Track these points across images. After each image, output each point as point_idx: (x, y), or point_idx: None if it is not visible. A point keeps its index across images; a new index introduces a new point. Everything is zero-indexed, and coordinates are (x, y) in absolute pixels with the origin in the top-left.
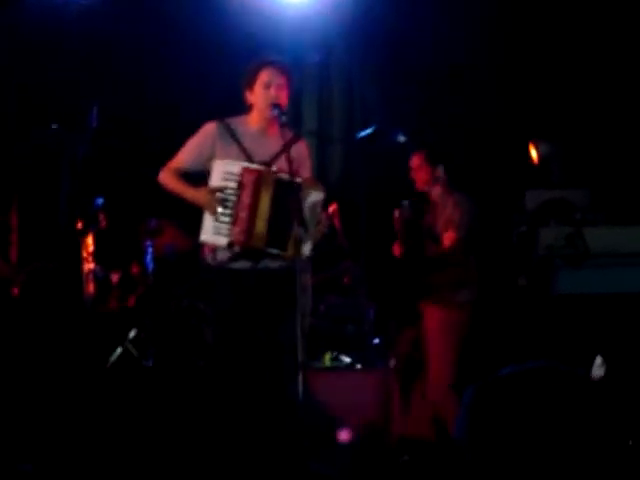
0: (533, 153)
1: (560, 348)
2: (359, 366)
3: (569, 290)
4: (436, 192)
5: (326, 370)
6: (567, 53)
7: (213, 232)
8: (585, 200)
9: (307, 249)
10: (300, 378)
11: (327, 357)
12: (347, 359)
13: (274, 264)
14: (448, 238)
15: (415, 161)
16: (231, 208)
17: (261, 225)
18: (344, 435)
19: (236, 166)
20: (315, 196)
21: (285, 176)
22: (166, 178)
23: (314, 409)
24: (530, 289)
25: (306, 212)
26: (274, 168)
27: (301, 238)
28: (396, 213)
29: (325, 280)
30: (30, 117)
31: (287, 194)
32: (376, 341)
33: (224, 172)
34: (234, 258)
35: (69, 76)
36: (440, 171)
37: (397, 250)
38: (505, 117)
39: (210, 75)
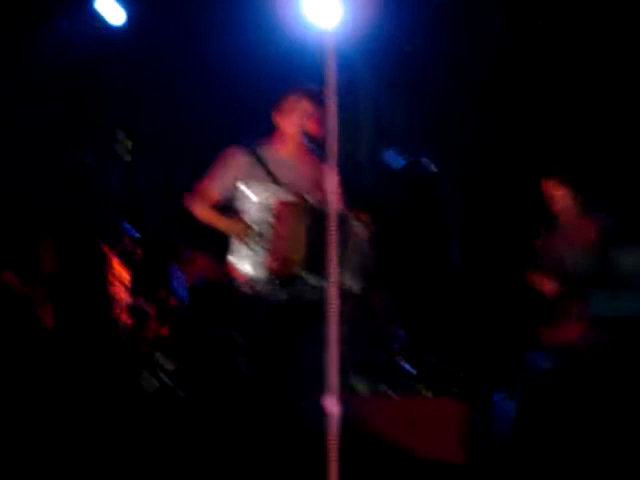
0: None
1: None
2: (391, 393)
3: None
4: (572, 215)
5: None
6: (582, 88)
7: (249, 262)
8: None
9: (355, 283)
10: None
11: (360, 384)
12: (380, 386)
13: (309, 293)
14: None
15: (550, 185)
16: (266, 238)
17: (298, 254)
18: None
19: (268, 195)
20: (362, 229)
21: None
22: (198, 209)
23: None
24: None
25: (354, 245)
26: (306, 196)
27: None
28: (539, 241)
29: (356, 307)
30: (63, 144)
31: (325, 222)
32: (408, 368)
33: (256, 201)
34: (270, 287)
35: (102, 103)
36: (577, 193)
37: (547, 286)
38: (533, 144)
39: (238, 97)
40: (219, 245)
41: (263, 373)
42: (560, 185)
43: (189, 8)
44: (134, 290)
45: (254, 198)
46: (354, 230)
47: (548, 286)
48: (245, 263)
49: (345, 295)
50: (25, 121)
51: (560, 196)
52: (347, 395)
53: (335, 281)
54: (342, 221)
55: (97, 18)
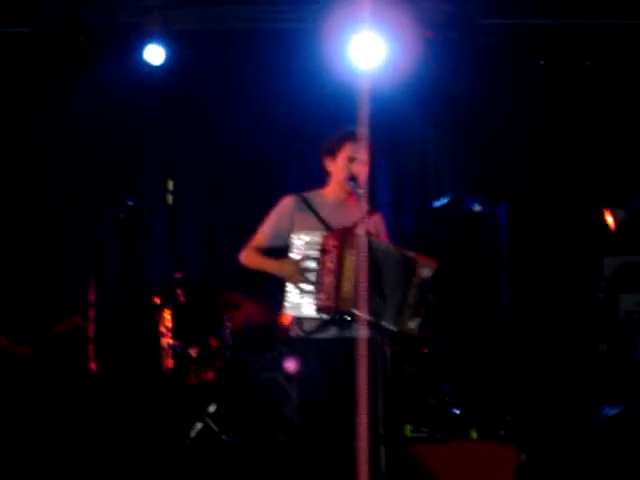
0: (609, 220)
1: None
2: (439, 436)
3: None
4: None
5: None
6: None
7: (299, 302)
8: None
9: (414, 325)
10: (382, 451)
11: (408, 428)
12: (426, 430)
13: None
14: None
15: None
16: (315, 276)
17: (347, 287)
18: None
19: (316, 235)
20: (425, 272)
21: (381, 242)
22: (248, 257)
23: None
24: (610, 355)
25: (414, 287)
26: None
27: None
28: None
29: (404, 349)
30: (105, 188)
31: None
32: (456, 411)
33: (305, 242)
34: (321, 327)
35: (144, 145)
36: None
37: None
38: (578, 185)
39: (282, 140)
40: (264, 290)
41: (314, 413)
42: None
43: (234, 49)
44: (176, 333)
45: (302, 238)
46: (416, 273)
47: None
48: (295, 303)
49: (401, 336)
50: (64, 164)
51: None
52: (395, 438)
53: (371, 318)
54: (403, 263)
55: (142, 62)
